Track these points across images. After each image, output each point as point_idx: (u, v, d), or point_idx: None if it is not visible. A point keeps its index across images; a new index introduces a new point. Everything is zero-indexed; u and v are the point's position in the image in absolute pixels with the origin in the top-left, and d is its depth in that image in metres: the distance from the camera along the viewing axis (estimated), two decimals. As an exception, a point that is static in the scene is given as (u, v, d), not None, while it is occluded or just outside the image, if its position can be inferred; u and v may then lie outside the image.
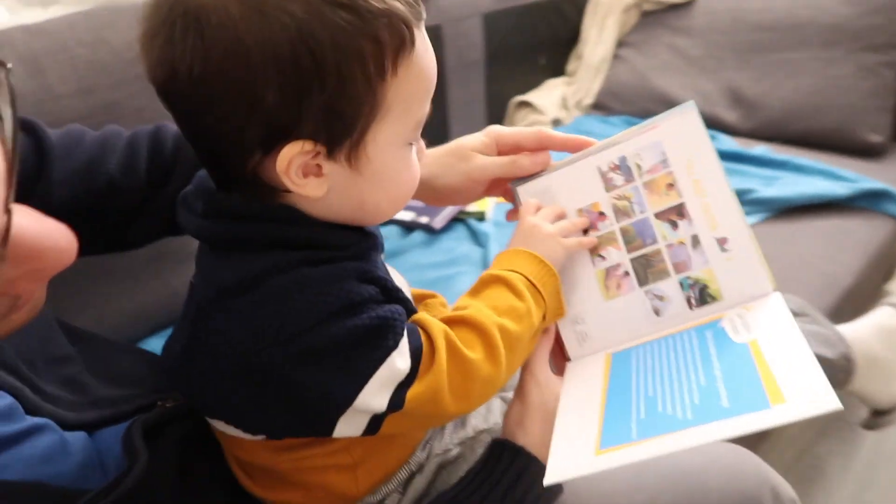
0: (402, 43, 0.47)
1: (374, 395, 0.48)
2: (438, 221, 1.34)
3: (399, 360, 0.49)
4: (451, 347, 0.51)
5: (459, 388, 0.51)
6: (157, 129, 0.69)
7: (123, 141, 0.67)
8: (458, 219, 1.38)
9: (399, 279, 0.62)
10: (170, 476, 0.54)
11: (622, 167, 0.63)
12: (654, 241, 0.62)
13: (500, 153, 0.68)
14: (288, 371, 0.47)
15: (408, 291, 0.61)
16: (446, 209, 1.36)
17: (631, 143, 0.63)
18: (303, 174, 0.48)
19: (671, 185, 0.61)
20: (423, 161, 0.66)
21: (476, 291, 0.58)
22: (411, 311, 0.54)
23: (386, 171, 0.51)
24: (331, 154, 0.48)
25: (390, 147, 0.50)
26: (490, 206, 1.39)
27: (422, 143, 0.57)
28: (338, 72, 0.44)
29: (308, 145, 0.46)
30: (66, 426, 0.52)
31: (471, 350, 0.51)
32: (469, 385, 0.51)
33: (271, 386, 0.48)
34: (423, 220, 1.35)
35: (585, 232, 0.64)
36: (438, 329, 0.52)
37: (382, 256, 0.57)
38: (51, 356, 0.55)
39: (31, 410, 0.52)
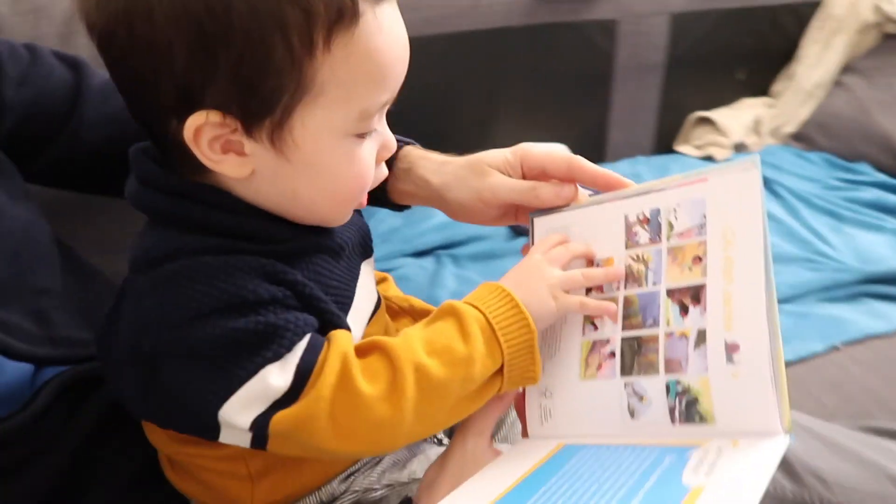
0: (340, 16, 0.41)
1: (240, 410, 0.43)
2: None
3: (275, 376, 0.43)
4: (344, 375, 0.44)
5: (344, 424, 0.44)
6: None
7: None
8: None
9: (369, 291, 0.57)
10: (66, 435, 0.53)
11: (652, 221, 0.52)
12: (655, 324, 0.49)
13: (524, 176, 0.58)
14: (165, 363, 0.45)
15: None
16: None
17: (671, 194, 0.51)
18: (221, 150, 0.44)
19: (698, 259, 0.48)
20: (419, 164, 0.61)
21: (428, 321, 0.49)
22: (338, 326, 0.48)
23: (319, 163, 0.46)
24: (249, 131, 0.43)
25: (324, 135, 0.45)
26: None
27: (388, 137, 0.50)
28: (248, 38, 0.40)
29: (215, 116, 0.42)
30: (14, 356, 0.52)
31: (370, 383, 0.44)
32: (355, 423, 0.44)
33: (152, 375, 0.46)
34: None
35: (589, 291, 0.53)
36: (337, 352, 0.45)
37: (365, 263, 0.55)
38: (28, 286, 0.55)
39: None
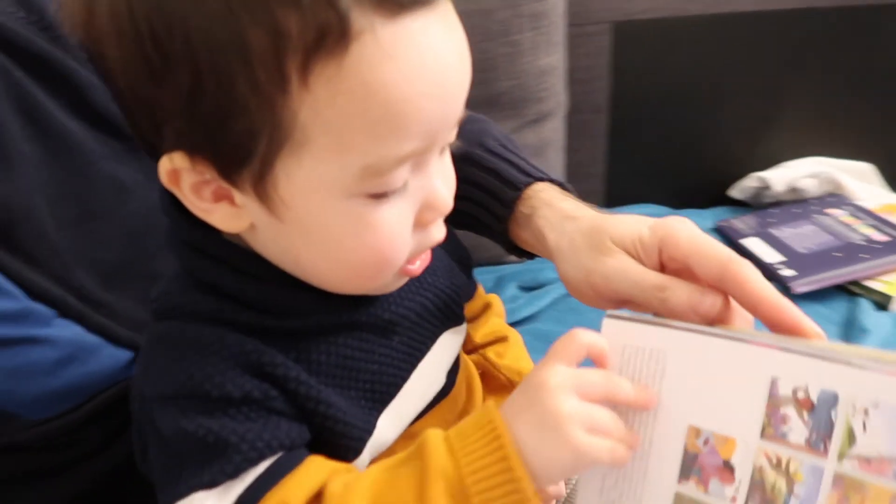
0: (321, 40, 0.31)
1: None
2: (804, 283, 0.93)
3: None
4: None
5: None
6: None
7: None
8: (848, 290, 0.96)
9: (435, 371, 0.47)
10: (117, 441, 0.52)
11: (819, 411, 0.32)
12: None
13: (661, 266, 0.43)
14: (141, 426, 0.42)
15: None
16: (826, 270, 0.96)
17: (870, 378, 0.31)
18: (213, 197, 0.37)
19: None
20: (541, 212, 0.50)
21: (395, 460, 0.38)
22: (343, 437, 0.40)
23: (316, 227, 0.37)
24: (230, 180, 0.36)
25: (318, 194, 0.36)
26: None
27: (434, 193, 0.38)
28: (200, 67, 0.32)
29: (180, 160, 0.35)
30: (116, 341, 0.53)
31: None
32: None
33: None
34: (786, 271, 0.95)
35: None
36: (277, 497, 0.36)
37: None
38: (145, 271, 0.53)
39: (78, 319, 0.51)
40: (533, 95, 1.12)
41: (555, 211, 0.50)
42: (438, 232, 0.41)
